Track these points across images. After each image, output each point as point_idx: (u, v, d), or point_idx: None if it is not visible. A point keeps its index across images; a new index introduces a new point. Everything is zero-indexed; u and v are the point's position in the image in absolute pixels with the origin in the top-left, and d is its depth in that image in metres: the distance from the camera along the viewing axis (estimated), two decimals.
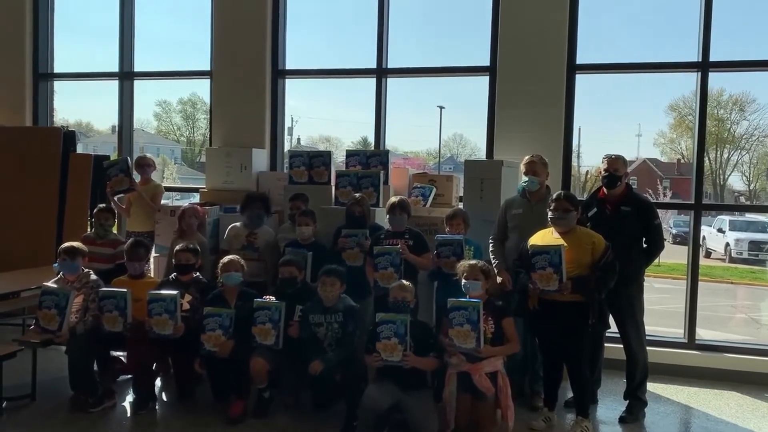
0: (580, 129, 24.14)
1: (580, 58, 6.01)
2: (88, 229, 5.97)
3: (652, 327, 5.79)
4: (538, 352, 4.58)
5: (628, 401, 4.66)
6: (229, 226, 5.43)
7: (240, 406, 4.39)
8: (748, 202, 29.34)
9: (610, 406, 4.80)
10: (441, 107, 28.66)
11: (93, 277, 4.72)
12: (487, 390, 4.07)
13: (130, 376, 4.89)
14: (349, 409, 4.19)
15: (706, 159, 6.24)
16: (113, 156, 7.29)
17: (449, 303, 4.09)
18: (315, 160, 5.84)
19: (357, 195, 5.11)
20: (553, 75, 5.93)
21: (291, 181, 5.85)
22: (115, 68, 7.47)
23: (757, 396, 5.18)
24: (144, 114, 36.70)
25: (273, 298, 4.48)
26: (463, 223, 4.77)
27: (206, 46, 7.02)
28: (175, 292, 4.48)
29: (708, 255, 18.54)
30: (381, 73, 6.61)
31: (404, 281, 4.36)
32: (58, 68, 7.90)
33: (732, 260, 17.91)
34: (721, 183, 30.91)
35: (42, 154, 7.01)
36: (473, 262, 4.29)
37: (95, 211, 5.54)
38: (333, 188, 5.67)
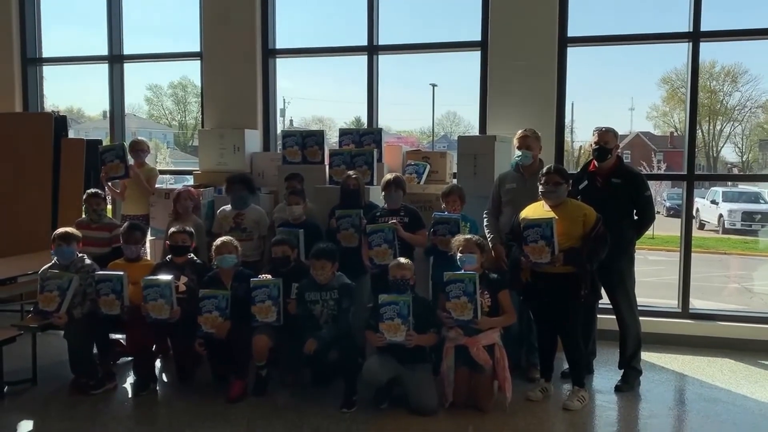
0: (573, 104, 24.15)
1: (572, 31, 5.99)
2: (83, 214, 5.96)
3: (647, 298, 5.87)
4: (533, 324, 4.63)
5: (623, 370, 4.73)
6: (219, 209, 5.45)
7: (240, 386, 4.43)
8: (740, 173, 29.40)
9: (605, 376, 4.86)
10: (433, 85, 28.59)
11: (88, 261, 4.73)
12: (484, 362, 4.13)
13: (130, 358, 4.94)
14: (348, 384, 4.24)
15: (699, 131, 6.25)
16: (106, 141, 7.26)
17: (446, 276, 4.13)
18: (308, 140, 5.83)
19: (351, 173, 5.12)
20: (545, 48, 5.92)
21: (284, 161, 5.85)
22: (105, 52, 7.42)
23: (750, 362, 5.26)
24: (135, 99, 36.44)
25: (269, 277, 4.50)
26: (459, 200, 4.79)
27: (196, 27, 6.96)
28: (169, 277, 4.48)
29: (702, 227, 18.66)
30: (372, 50, 6.57)
31: (402, 259, 4.38)
32: (46, 53, 7.84)
33: (725, 231, 18.02)
34: (714, 155, 30.99)
35: (33, 140, 6.97)
36: (468, 236, 4.32)
37: (84, 197, 5.51)
38: (327, 167, 5.67)
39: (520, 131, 4.85)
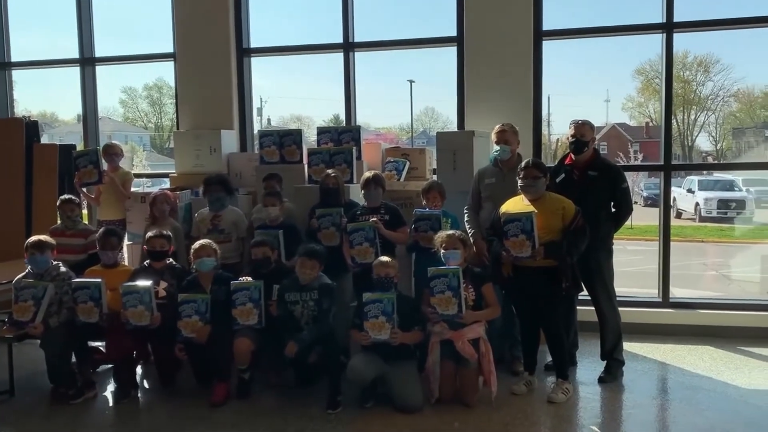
0: (549, 97, 24.27)
1: (547, 25, 6.01)
2: (57, 221, 5.85)
3: (627, 288, 5.91)
4: (516, 317, 4.64)
5: (606, 362, 4.75)
6: (197, 212, 5.39)
7: (223, 390, 4.38)
8: (715, 162, 29.83)
9: (588, 367, 4.89)
10: (411, 81, 28.63)
11: (63, 269, 4.64)
12: (470, 356, 4.13)
13: (110, 365, 4.86)
14: (332, 384, 4.22)
15: (673, 121, 6.31)
16: (80, 146, 7.14)
17: (429, 272, 4.13)
18: (286, 139, 5.78)
19: (330, 171, 5.09)
20: (521, 42, 5.92)
21: (262, 162, 5.79)
22: (76, 55, 7.29)
23: (730, 349, 5.32)
24: (110, 102, 35.99)
25: (250, 279, 4.46)
26: (439, 196, 4.78)
27: (168, 28, 6.87)
28: (148, 283, 4.42)
29: (679, 215, 18.88)
30: (348, 47, 6.54)
31: (385, 257, 4.36)
32: (15, 57, 7.69)
33: (702, 219, 18.28)
34: (689, 144, 31.38)
35: (4, 146, 6.83)
36: (450, 232, 4.32)
37: (58, 203, 5.41)
38: (306, 167, 5.63)
39: (497, 126, 4.85)
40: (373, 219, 4.73)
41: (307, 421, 4.04)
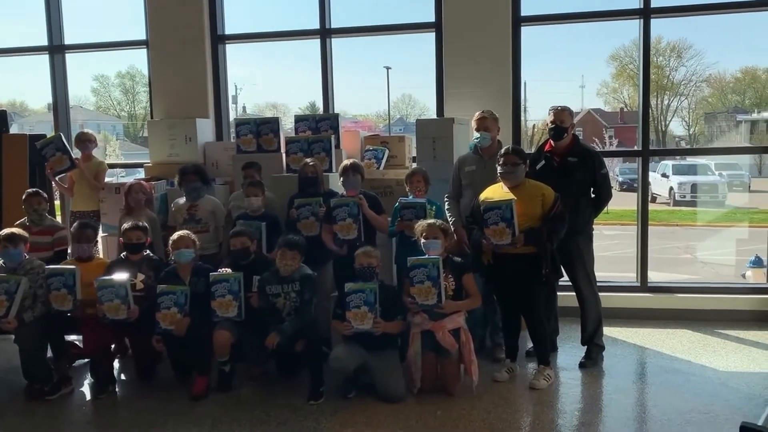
0: (525, 83, 24.32)
1: (525, 10, 5.98)
2: None
3: (604, 272, 5.96)
4: (497, 305, 4.64)
5: (586, 347, 4.78)
6: (174, 202, 5.30)
7: (203, 383, 4.32)
8: (688, 146, 30.24)
9: (569, 353, 4.92)
10: (387, 68, 28.51)
11: (37, 262, 4.53)
12: (450, 346, 4.13)
13: (86, 360, 4.77)
14: (314, 375, 4.19)
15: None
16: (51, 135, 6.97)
17: (409, 262, 4.10)
18: (263, 128, 5.68)
19: (309, 160, 5.03)
20: (499, 28, 5.89)
21: (239, 151, 5.69)
22: (44, 42, 7.10)
23: (707, 332, 5.39)
24: (81, 90, 35.30)
25: (229, 271, 4.39)
26: (423, 181, 4.74)
27: (140, 14, 6.71)
28: (124, 277, 4.34)
29: (653, 200, 19.11)
30: (325, 33, 6.45)
31: (368, 247, 4.33)
32: None
33: (676, 203, 18.54)
34: (663, 129, 31.74)
35: None
36: (431, 221, 4.29)
37: (24, 197, 5.12)
38: (284, 155, 5.56)
39: (477, 113, 4.82)
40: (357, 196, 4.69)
41: (289, 413, 4.00)
